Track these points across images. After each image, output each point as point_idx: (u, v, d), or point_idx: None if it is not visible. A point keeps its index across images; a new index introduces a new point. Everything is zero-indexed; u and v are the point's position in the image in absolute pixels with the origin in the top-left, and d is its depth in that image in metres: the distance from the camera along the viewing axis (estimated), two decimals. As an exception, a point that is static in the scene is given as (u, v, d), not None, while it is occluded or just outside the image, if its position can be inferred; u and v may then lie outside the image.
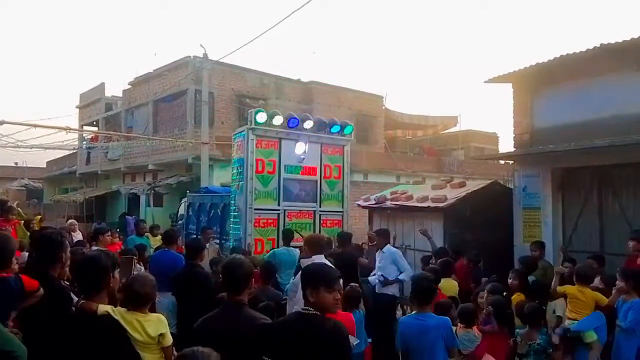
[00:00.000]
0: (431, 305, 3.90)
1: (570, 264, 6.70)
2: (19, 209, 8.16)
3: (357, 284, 5.13)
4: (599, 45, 6.75)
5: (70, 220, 10.39)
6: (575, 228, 7.87)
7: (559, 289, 4.99)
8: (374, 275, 6.70)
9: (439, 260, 6.27)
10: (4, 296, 2.78)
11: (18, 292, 2.86)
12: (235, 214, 8.49)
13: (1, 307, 2.75)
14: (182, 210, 13.36)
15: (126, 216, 17.88)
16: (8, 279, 2.84)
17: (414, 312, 3.87)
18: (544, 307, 5.03)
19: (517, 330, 4.50)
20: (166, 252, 5.67)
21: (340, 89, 21.89)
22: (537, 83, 8.26)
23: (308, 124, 8.58)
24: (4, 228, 6.02)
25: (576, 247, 7.69)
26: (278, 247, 7.63)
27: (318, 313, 2.60)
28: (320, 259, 4.63)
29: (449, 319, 3.85)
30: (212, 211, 10.76)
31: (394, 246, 7.20)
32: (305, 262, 4.62)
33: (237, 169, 8.53)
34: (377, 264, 6.70)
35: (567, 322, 4.78)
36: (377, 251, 6.87)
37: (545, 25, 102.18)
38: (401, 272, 6.48)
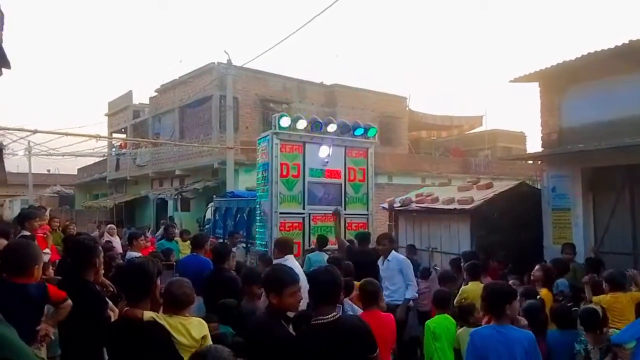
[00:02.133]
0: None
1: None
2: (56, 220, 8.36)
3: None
4: (626, 42, 6.60)
5: (109, 225, 10.68)
6: (607, 228, 7.69)
7: (594, 299, 4.89)
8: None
9: (466, 264, 6.17)
10: (20, 304, 2.71)
11: (39, 301, 2.81)
12: (261, 218, 8.57)
13: (18, 315, 2.56)
14: (209, 214, 13.55)
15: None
16: (27, 286, 2.78)
17: (492, 323, 3.46)
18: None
19: (582, 337, 4.38)
20: (194, 257, 5.76)
21: (363, 91, 21.86)
22: (564, 82, 8.12)
23: (331, 127, 8.59)
24: (44, 235, 6.18)
25: (608, 248, 7.51)
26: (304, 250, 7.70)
27: (337, 316, 2.71)
28: (291, 259, 4.86)
29: (531, 332, 3.53)
30: (239, 215, 10.88)
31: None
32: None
33: (262, 173, 8.60)
34: (381, 273, 6.00)
35: (610, 331, 4.66)
36: (380, 259, 6.14)
37: (571, 23, 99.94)
38: (407, 286, 5.83)
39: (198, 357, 1.94)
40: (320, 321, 2.66)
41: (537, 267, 5.61)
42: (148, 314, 2.64)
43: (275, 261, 5.14)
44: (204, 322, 2.95)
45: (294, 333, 2.88)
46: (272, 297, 2.80)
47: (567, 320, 4.54)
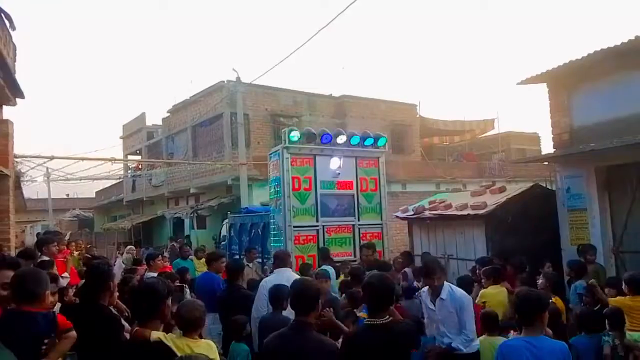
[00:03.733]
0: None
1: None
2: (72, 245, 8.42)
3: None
4: (633, 38, 6.54)
5: (128, 247, 10.86)
6: (625, 227, 7.56)
7: (611, 301, 4.80)
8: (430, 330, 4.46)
9: (485, 268, 6.07)
10: (27, 332, 2.65)
11: (46, 330, 2.75)
12: (276, 232, 8.61)
13: (24, 343, 2.57)
14: (224, 231, 13.62)
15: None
16: (35, 315, 2.73)
17: (521, 334, 3.18)
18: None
19: (607, 336, 4.33)
20: (208, 274, 5.81)
21: (373, 100, 21.86)
22: (572, 81, 8.06)
23: (341, 139, 8.64)
24: (64, 259, 6.30)
25: (627, 247, 7.38)
26: (319, 264, 7.71)
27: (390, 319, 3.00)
28: (285, 271, 5.08)
29: (565, 343, 3.26)
30: (253, 231, 10.94)
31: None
32: (270, 276, 5.18)
33: (274, 188, 8.67)
34: (430, 314, 4.36)
35: (628, 334, 4.56)
36: (424, 291, 4.50)
37: (577, 22, 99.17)
38: (461, 330, 4.14)
39: None
40: (375, 322, 2.97)
41: (540, 277, 5.52)
42: (155, 335, 2.67)
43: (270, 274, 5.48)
44: (212, 344, 2.98)
45: None
46: (319, 306, 3.05)
47: (596, 324, 4.46)
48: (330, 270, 6.66)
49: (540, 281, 5.42)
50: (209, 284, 5.46)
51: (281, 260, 5.34)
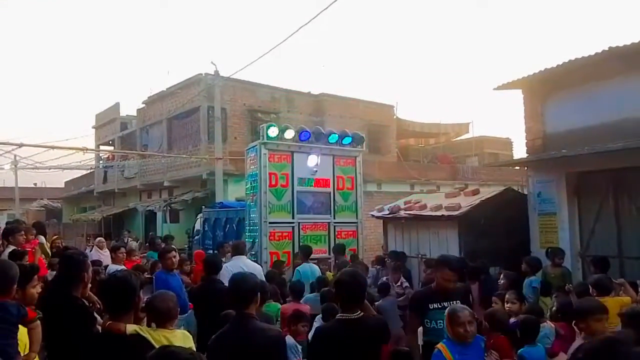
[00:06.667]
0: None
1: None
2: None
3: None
4: (607, 49, 6.74)
5: (98, 238, 10.60)
6: (592, 232, 7.79)
7: None
8: None
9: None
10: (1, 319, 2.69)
11: (17, 319, 2.80)
12: (251, 228, 8.58)
13: None
14: (197, 225, 13.50)
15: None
16: (6, 304, 2.77)
17: None
18: None
19: None
20: (160, 276, 5.55)
21: (351, 100, 21.97)
22: (547, 88, 8.26)
23: (319, 137, 8.67)
24: (33, 249, 6.10)
25: (594, 252, 7.59)
26: (294, 261, 7.74)
27: (362, 314, 3.04)
28: (240, 258, 5.90)
29: None
30: (228, 226, 10.88)
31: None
32: (227, 262, 5.73)
33: (251, 183, 8.64)
34: None
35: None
36: None
37: (554, 29, 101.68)
38: None
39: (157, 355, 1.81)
40: (348, 317, 3.01)
41: (501, 278, 5.62)
42: (131, 327, 2.64)
43: (226, 263, 5.83)
44: (188, 334, 2.96)
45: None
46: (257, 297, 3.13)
47: None
48: (315, 269, 6.71)
49: (501, 282, 5.56)
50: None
51: (238, 249, 6.08)
